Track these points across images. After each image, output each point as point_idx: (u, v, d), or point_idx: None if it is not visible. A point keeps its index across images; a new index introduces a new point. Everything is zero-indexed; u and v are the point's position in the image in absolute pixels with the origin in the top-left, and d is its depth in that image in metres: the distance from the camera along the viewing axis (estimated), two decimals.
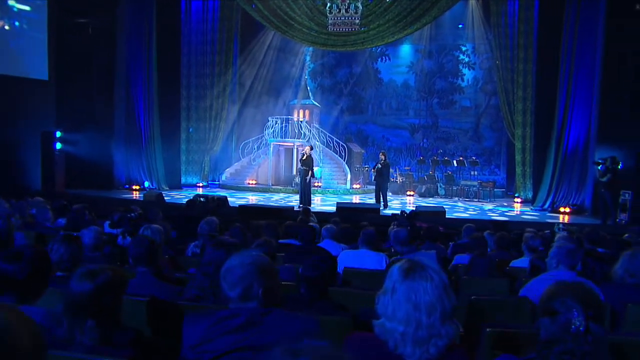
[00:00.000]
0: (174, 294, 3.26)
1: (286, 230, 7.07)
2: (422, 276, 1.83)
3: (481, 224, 9.97)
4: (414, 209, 11.56)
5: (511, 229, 9.16)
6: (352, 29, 15.87)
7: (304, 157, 12.89)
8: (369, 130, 22.86)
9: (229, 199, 12.01)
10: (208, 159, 18.82)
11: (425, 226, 8.41)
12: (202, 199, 9.16)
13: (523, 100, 16.31)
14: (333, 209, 12.76)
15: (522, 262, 5.84)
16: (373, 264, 5.12)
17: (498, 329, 2.73)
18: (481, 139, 21.78)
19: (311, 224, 7.42)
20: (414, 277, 1.84)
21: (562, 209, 13.80)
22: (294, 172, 17.80)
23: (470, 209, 14.58)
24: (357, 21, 15.73)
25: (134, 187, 16.67)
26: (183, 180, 18.20)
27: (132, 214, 6.27)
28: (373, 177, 13.81)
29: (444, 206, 13.46)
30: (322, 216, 10.40)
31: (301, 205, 12.69)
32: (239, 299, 1.99)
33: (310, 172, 12.98)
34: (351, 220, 9.00)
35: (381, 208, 12.68)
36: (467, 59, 21.68)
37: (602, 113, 13.02)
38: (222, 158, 19.72)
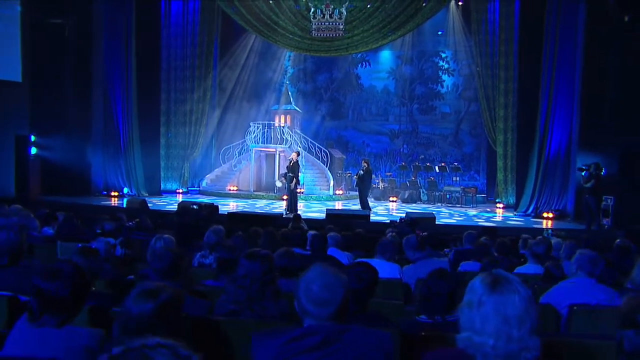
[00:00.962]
0: (204, 308, 3.15)
1: (283, 238, 6.97)
2: (510, 289, 1.82)
3: (473, 231, 10.06)
4: (403, 215, 11.61)
5: (501, 235, 9.27)
6: (336, 35, 15.89)
7: (291, 163, 12.81)
8: (349, 136, 22.91)
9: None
10: (188, 165, 18.57)
11: (421, 234, 8.46)
12: (194, 206, 8.98)
13: (504, 107, 16.58)
14: (320, 215, 12.77)
15: (527, 268, 5.87)
16: (387, 273, 5.09)
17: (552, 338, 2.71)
18: (461, 145, 22.06)
19: (315, 232, 7.31)
20: (502, 290, 1.82)
21: (545, 215, 14.04)
22: (276, 178, 17.70)
23: (456, 215, 14.71)
24: (341, 27, 15.76)
25: (113, 193, 16.31)
26: (162, 186, 17.87)
27: (130, 223, 6.07)
28: (355, 184, 13.84)
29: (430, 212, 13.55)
30: (311, 223, 10.34)
31: (288, 212, 12.62)
32: (328, 317, 1.91)
33: (295, 178, 12.91)
34: (342, 227, 8.95)
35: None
36: (446, 66, 21.96)
37: (583, 119, 13.35)
38: (202, 164, 19.50)
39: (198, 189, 18.76)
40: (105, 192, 16.48)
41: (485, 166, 21.18)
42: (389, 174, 20.33)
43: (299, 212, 12.73)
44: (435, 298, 2.99)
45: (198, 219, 7.77)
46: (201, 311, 3.09)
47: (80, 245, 5.37)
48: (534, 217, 14.23)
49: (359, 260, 4.54)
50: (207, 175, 18.73)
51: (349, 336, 1.88)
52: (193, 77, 18.21)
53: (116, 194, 16.32)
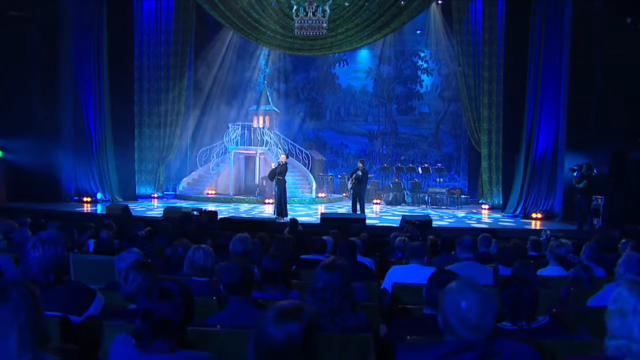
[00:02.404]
0: None
1: (298, 244, 6.89)
2: None
3: (472, 233, 10.19)
4: (398, 218, 11.65)
5: (501, 237, 9.41)
6: (319, 33, 15.85)
7: (280, 166, 12.70)
8: (327, 137, 22.93)
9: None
10: (163, 168, 18.20)
11: (428, 237, 8.49)
12: (195, 213, 8.77)
13: (489, 107, 16.87)
14: (309, 219, 12.71)
15: (549, 270, 5.94)
16: (424, 279, 5.07)
17: None
18: (441, 145, 22.37)
19: (329, 238, 7.23)
20: None
21: (534, 215, 14.33)
22: (257, 182, 17.56)
23: (446, 217, 14.86)
24: (325, 25, 15.74)
25: (85, 198, 15.79)
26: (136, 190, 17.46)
27: (142, 232, 5.87)
28: (350, 186, 13.79)
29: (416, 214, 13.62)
30: (306, 228, 10.27)
31: (278, 216, 12.51)
32: (480, 339, 1.87)
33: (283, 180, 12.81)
34: (340, 232, 8.91)
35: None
36: (425, 65, 22.24)
37: (570, 119, 13.66)
38: (178, 167, 19.18)
39: (174, 193, 18.42)
40: (76, 198, 15.95)
41: (467, 167, 21.56)
42: (370, 175, 20.35)
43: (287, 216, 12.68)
44: (519, 304, 2.99)
45: (199, 226, 7.59)
46: None
47: (103, 257, 5.20)
48: (522, 218, 14.51)
49: (438, 268, 4.53)
50: (184, 179, 18.43)
51: (506, 352, 1.85)
52: (167, 76, 17.83)
53: (89, 199, 15.81)
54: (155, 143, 18.00)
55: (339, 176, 20.61)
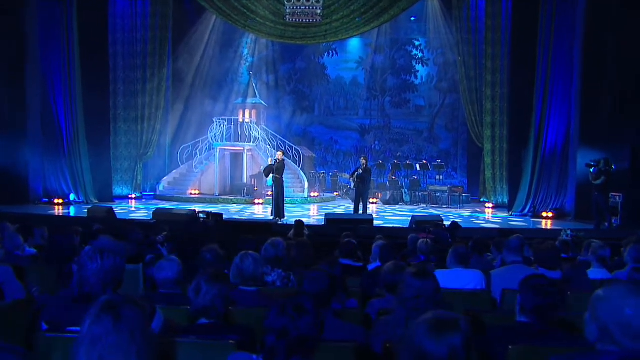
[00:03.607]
0: (362, 335, 2.98)
1: (323, 248, 6.79)
2: None
3: (487, 233, 10.21)
4: (408, 219, 11.62)
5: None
6: (312, 20, 15.72)
7: (276, 163, 12.56)
8: (316, 132, 22.83)
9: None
10: (141, 166, 17.86)
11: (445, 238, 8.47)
12: (201, 215, 8.59)
13: (492, 100, 16.97)
14: (307, 221, 12.58)
15: (594, 273, 5.95)
16: (472, 283, 5.02)
17: None
18: (437, 141, 22.46)
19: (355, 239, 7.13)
20: None
21: (544, 214, 14.46)
22: (245, 180, 17.39)
23: (451, 217, 14.86)
24: (319, 11, 15.61)
25: (56, 200, 15.39)
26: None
27: (159, 237, 5.71)
28: (353, 185, 13.72)
29: (415, 214, 13.58)
30: (310, 230, 10.17)
31: (276, 218, 12.38)
32: None
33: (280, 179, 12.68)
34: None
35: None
36: (420, 55, 22.30)
37: (583, 111, 13.77)
38: (158, 165, 18.90)
39: (153, 193, 18.15)
40: (46, 200, 15.54)
41: (465, 163, 21.68)
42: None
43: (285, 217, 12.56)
44: None
45: (206, 229, 7.44)
46: (363, 338, 2.93)
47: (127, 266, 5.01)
48: (532, 217, 14.61)
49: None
50: (164, 178, 18.19)
51: None
52: (145, 65, 17.48)
53: (60, 201, 15.40)
54: (132, 139, 17.66)
55: (330, 174, 20.51)
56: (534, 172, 14.91)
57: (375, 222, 12.66)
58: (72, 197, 15.77)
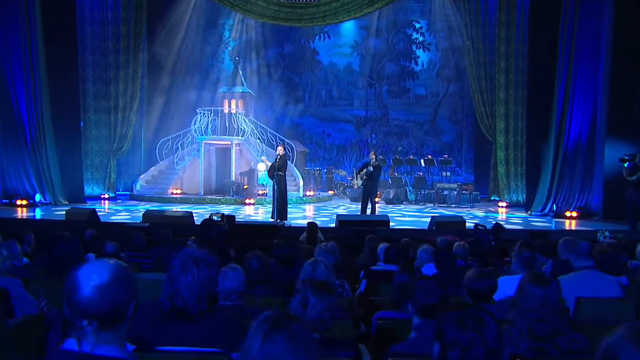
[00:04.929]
0: None
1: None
2: None
3: (515, 235, 10.08)
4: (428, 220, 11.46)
5: (552, 240, 9.35)
6: (310, 0, 15.48)
7: (277, 159, 12.30)
8: (306, 124, 22.60)
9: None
10: (114, 163, 17.51)
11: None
12: (216, 218, 8.30)
13: (505, 88, 16.91)
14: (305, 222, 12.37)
15: None
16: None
17: None
18: (439, 133, 22.38)
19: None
20: None
21: (567, 214, 14.40)
22: (233, 178, 17.08)
23: (467, 218, 14.74)
24: None
25: (19, 202, 14.88)
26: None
27: (189, 241, 5.52)
28: (360, 182, 13.52)
29: (427, 214, 13.44)
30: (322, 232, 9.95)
31: (278, 219, 12.13)
32: None
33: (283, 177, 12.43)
34: (362, 237, 8.70)
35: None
36: (421, 38, 22.17)
37: (611, 100, 13.66)
38: (133, 161, 18.66)
39: (128, 193, 17.86)
40: (6, 201, 15.05)
41: (471, 158, 21.64)
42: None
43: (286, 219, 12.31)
44: None
45: (220, 234, 7.17)
46: None
47: (151, 275, 4.72)
48: (554, 217, 14.54)
49: None
50: (142, 176, 17.89)
51: None
52: (117, 49, 17.07)
53: (24, 202, 14.89)
54: (103, 132, 17.29)
55: (325, 170, 20.29)
56: (555, 168, 14.80)
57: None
58: (37, 197, 15.25)
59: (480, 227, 8.45)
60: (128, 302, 1.87)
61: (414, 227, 11.91)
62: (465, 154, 22.07)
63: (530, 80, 15.80)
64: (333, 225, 11.34)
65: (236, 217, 10.78)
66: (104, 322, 1.81)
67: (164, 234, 7.55)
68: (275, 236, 9.71)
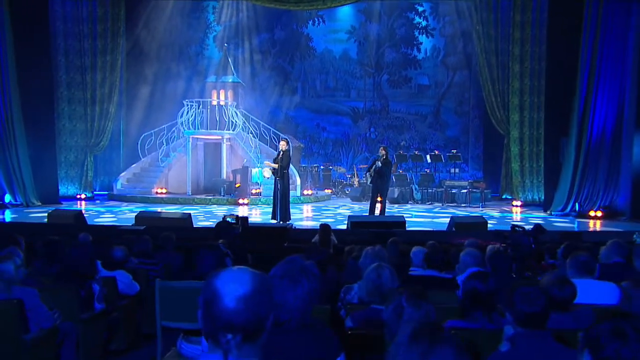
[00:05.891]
0: None
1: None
2: None
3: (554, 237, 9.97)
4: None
5: (585, 241, 9.26)
6: None
7: (280, 155, 12.11)
8: (299, 117, 22.41)
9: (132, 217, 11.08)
10: (91, 160, 17.34)
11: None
12: (230, 220, 8.08)
13: (520, 77, 16.83)
14: (309, 224, 12.24)
15: None
16: (601, 298, 4.80)
17: None
18: (443, 127, 22.27)
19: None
20: None
21: (592, 213, 14.35)
22: (224, 176, 16.88)
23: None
24: None
25: None
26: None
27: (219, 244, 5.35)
28: (370, 180, 13.37)
29: (438, 215, 13.37)
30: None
31: (281, 221, 11.94)
32: None
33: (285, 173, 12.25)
34: (379, 239, 8.57)
35: None
36: (424, 23, 22.03)
37: None
38: (112, 158, 18.59)
39: (107, 193, 17.75)
40: None
41: (479, 153, 21.58)
42: (364, 166, 19.99)
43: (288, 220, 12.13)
44: None
45: (234, 237, 7.01)
46: None
47: (190, 284, 4.53)
48: (577, 217, 14.49)
49: None
50: (122, 174, 17.71)
51: None
52: (94, 33, 16.83)
53: None
54: (79, 125, 17.11)
55: (321, 167, 20.09)
56: (577, 163, 14.72)
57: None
58: (7, 198, 15.13)
59: (518, 228, 8.31)
60: (269, 312, 1.87)
61: (433, 229, 11.73)
62: (472, 149, 21.98)
63: (549, 68, 15.71)
64: (344, 227, 11.24)
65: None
66: (249, 335, 1.81)
67: (166, 238, 7.44)
68: (284, 239, 9.61)
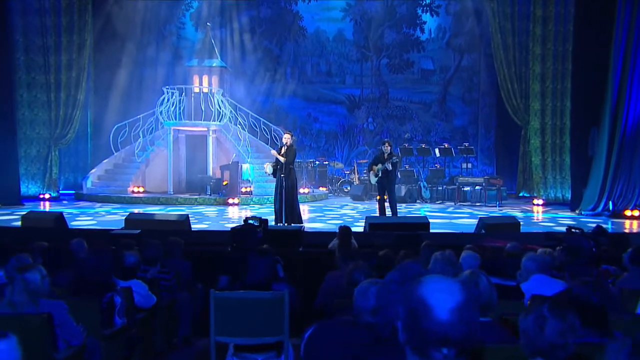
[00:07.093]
0: None
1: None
2: None
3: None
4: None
5: (634, 243, 9.16)
6: None
7: (284, 149, 11.88)
8: (289, 106, 22.23)
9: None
10: (56, 154, 17.11)
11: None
12: (252, 222, 7.79)
13: (541, 61, 16.76)
14: (314, 225, 12.20)
15: None
16: None
17: None
18: (450, 116, 22.18)
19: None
20: None
21: (627, 213, 14.27)
22: (210, 173, 16.62)
23: None
24: None
25: None
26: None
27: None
28: (376, 179, 13.20)
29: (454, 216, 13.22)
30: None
31: (286, 223, 11.71)
32: None
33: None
34: (404, 243, 8.45)
35: None
36: (428, 0, 21.89)
37: None
38: (80, 152, 18.39)
39: (74, 192, 17.58)
40: None
41: (491, 145, 21.52)
42: (364, 161, 19.79)
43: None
44: None
45: (255, 242, 6.78)
46: None
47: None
48: (610, 217, 14.42)
49: None
50: (93, 171, 17.55)
51: None
52: (58, 8, 16.61)
53: None
54: (40, 114, 16.97)
55: (317, 163, 19.86)
56: (610, 157, 14.65)
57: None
58: None
59: (575, 230, 8.15)
60: (478, 324, 1.91)
61: (461, 232, 11.59)
62: (482, 141, 21.89)
63: (576, 50, 15.61)
64: (361, 229, 11.02)
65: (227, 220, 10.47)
66: (463, 350, 1.86)
67: (174, 243, 7.34)
68: (300, 243, 9.38)
